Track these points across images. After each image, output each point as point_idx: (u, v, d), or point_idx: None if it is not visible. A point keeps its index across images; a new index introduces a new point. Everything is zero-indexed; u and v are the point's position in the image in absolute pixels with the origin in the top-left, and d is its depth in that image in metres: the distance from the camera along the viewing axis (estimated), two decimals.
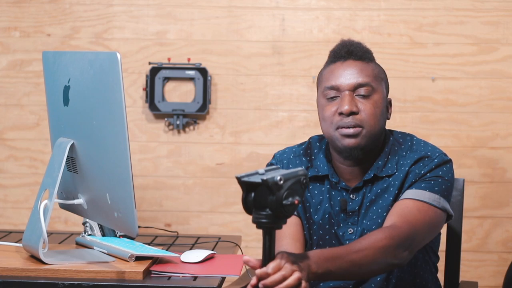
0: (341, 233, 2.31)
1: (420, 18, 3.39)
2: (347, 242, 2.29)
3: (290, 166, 2.37)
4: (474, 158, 3.40)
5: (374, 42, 3.36)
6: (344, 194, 2.31)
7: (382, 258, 2.08)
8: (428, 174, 2.25)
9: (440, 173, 2.26)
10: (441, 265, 2.49)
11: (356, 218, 2.29)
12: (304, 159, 2.37)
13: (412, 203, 2.21)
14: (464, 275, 3.34)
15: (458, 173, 3.11)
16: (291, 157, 2.39)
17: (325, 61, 2.36)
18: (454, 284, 2.56)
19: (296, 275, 1.82)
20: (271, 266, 1.81)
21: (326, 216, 2.32)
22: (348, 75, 2.26)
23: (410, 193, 2.23)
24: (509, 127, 3.39)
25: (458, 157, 3.37)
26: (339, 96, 2.26)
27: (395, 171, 2.28)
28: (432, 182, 2.24)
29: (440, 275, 2.54)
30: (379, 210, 2.27)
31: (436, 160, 2.27)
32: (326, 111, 2.27)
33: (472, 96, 3.40)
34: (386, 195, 2.27)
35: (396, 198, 2.27)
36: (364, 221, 2.28)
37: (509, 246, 3.40)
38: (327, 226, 2.33)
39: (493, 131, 3.39)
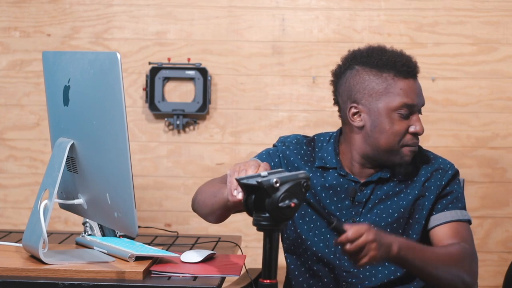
0: (343, 219, 2.34)
1: (420, 18, 3.39)
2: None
3: (287, 152, 2.41)
4: (474, 158, 3.40)
5: (374, 42, 3.35)
6: (353, 184, 2.34)
7: (456, 270, 2.18)
8: (447, 188, 2.33)
9: (456, 186, 2.35)
10: None
11: (360, 210, 2.33)
12: (305, 147, 2.41)
13: (459, 225, 2.32)
14: None
15: None
16: (294, 142, 2.43)
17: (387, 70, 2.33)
18: None
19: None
20: (351, 231, 1.95)
21: (323, 193, 2.36)
22: (420, 95, 2.35)
23: (446, 215, 2.32)
24: (509, 127, 3.39)
25: (458, 157, 3.36)
26: (409, 114, 2.30)
27: (408, 179, 2.34)
28: (455, 200, 2.34)
29: None
30: (390, 210, 2.32)
31: (450, 172, 2.35)
32: (397, 126, 2.29)
33: (472, 96, 3.39)
34: (396, 199, 2.32)
35: (414, 202, 2.32)
36: (369, 215, 2.31)
37: (509, 246, 3.40)
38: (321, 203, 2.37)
39: (493, 131, 3.39)
